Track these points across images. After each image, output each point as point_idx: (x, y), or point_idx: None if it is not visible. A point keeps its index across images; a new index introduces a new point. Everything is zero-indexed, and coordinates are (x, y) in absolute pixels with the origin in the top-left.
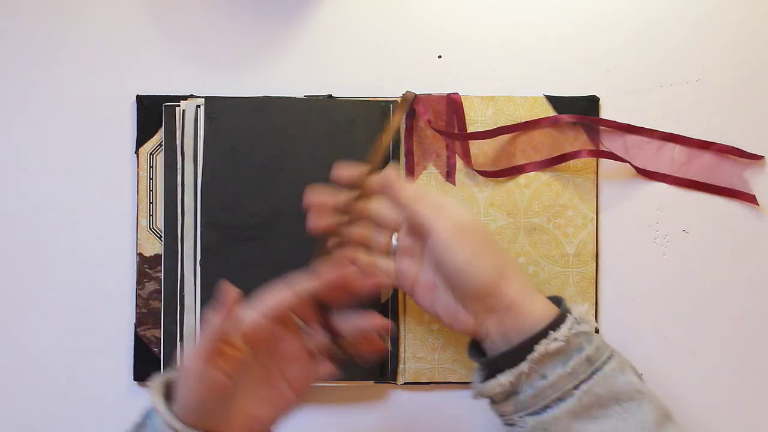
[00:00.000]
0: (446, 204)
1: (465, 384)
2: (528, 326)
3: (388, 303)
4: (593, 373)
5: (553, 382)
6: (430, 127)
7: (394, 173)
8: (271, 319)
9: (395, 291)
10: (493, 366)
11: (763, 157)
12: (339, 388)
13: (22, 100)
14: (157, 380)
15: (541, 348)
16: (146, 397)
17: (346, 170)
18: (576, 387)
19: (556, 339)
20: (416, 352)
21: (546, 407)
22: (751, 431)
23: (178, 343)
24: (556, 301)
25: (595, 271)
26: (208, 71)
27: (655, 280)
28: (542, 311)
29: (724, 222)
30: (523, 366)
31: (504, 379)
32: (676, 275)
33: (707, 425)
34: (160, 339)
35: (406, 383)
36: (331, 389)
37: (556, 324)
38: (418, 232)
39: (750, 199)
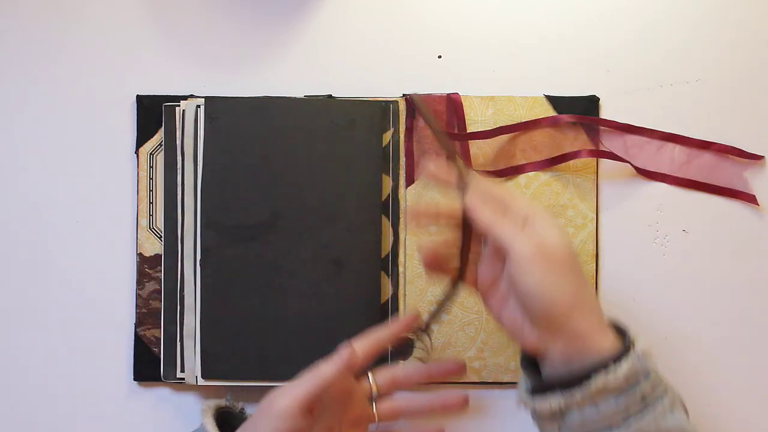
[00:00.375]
0: (532, 219)
1: (465, 384)
2: (591, 358)
3: (388, 303)
4: (644, 409)
5: (603, 413)
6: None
7: (473, 197)
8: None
9: (395, 290)
10: (546, 385)
11: (763, 157)
12: None
13: (22, 100)
14: (209, 404)
15: (599, 382)
16: (146, 397)
17: (433, 169)
18: (625, 420)
19: (615, 375)
20: (416, 351)
21: None
22: (752, 431)
23: (178, 343)
24: (621, 331)
25: (595, 271)
26: (208, 71)
27: (655, 280)
28: (608, 344)
29: (724, 222)
30: (578, 394)
31: (555, 401)
32: (676, 275)
33: (708, 425)
34: (160, 339)
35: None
36: None
37: (618, 358)
38: (499, 249)
39: (750, 199)
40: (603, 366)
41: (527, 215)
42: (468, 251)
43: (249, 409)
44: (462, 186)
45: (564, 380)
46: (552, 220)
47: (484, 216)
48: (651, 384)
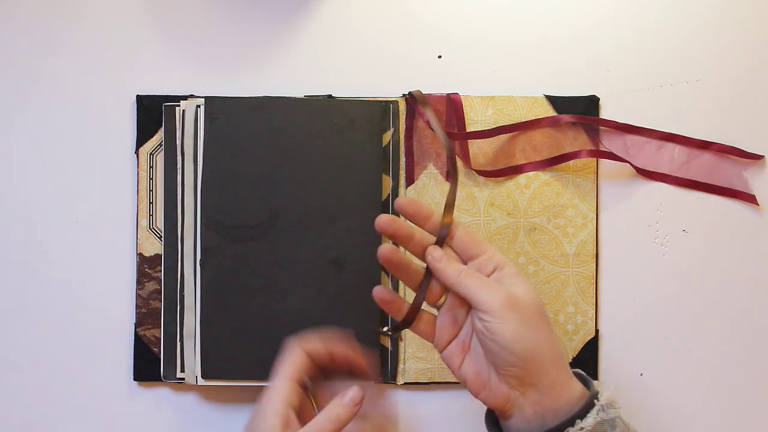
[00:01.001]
0: (501, 271)
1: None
2: (565, 411)
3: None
4: None
5: None
6: (429, 128)
7: (438, 252)
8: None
9: (395, 290)
10: None
11: (763, 156)
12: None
13: (23, 100)
14: None
15: None
16: (146, 397)
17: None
18: None
19: (583, 428)
20: (416, 352)
21: None
22: (751, 431)
23: (178, 343)
24: (583, 379)
25: (595, 271)
26: (208, 71)
27: (655, 280)
28: (578, 392)
29: (724, 222)
30: None
31: None
32: (676, 275)
33: (707, 425)
34: (160, 339)
35: (406, 383)
36: None
37: (585, 411)
38: (464, 301)
39: (750, 198)
40: (571, 423)
41: (496, 266)
42: (423, 298)
43: None
44: (442, 234)
45: None
46: (519, 272)
47: (451, 270)
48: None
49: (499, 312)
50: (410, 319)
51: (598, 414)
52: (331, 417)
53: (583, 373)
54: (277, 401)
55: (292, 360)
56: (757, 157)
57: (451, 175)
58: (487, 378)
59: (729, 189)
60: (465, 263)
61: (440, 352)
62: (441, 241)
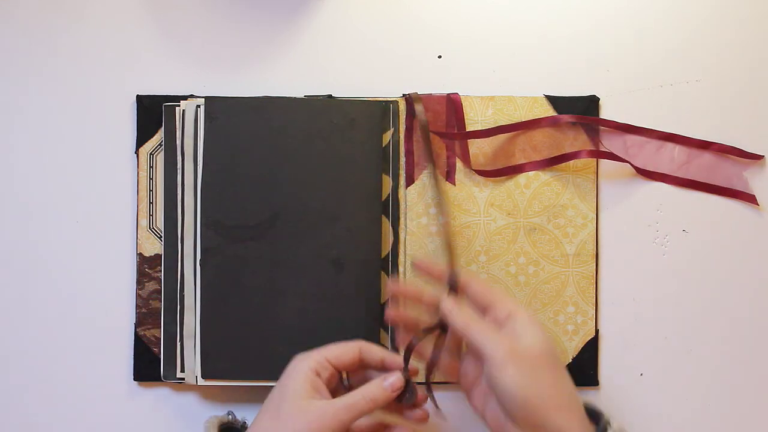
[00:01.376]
0: (513, 319)
1: None
2: None
3: (388, 302)
4: None
5: None
6: (429, 131)
7: (449, 303)
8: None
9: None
10: None
11: (763, 156)
12: None
13: (23, 100)
14: (212, 420)
15: None
16: (146, 397)
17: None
18: None
19: None
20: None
21: None
22: (752, 431)
23: (178, 343)
24: (596, 416)
25: (595, 271)
26: (208, 71)
27: (655, 280)
28: None
29: (724, 222)
30: None
31: None
32: (676, 275)
33: (707, 425)
34: (160, 339)
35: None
36: None
37: None
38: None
39: (750, 199)
40: None
41: (508, 315)
42: (441, 347)
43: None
44: (451, 283)
45: None
46: (531, 320)
47: (459, 321)
48: None
49: (500, 362)
50: (428, 378)
51: None
52: (367, 395)
53: (596, 408)
54: (306, 368)
55: (325, 348)
56: (757, 157)
57: (442, 211)
58: (504, 422)
59: (729, 189)
60: (482, 313)
61: (466, 394)
62: (453, 289)
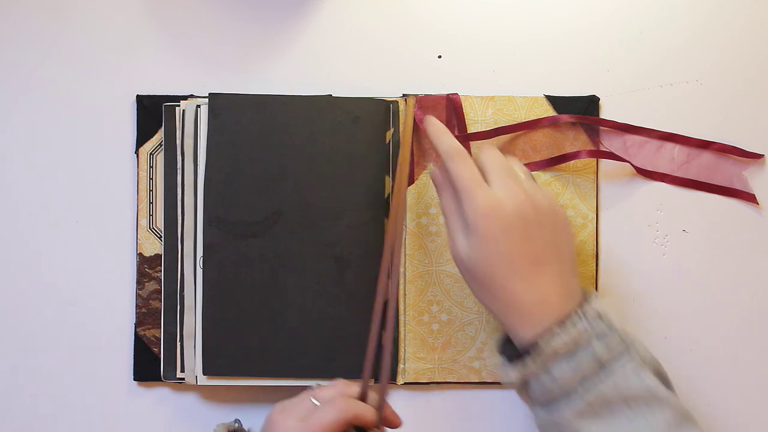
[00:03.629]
0: (493, 177)
1: (465, 384)
2: (538, 323)
3: (388, 302)
4: (602, 373)
5: (560, 381)
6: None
7: (433, 121)
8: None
9: (396, 290)
10: (510, 357)
11: (763, 156)
12: None
13: (22, 100)
14: (218, 429)
15: (545, 347)
16: (146, 397)
17: None
18: (584, 387)
19: (562, 338)
20: (416, 352)
21: (552, 402)
22: (752, 431)
23: (178, 343)
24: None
25: (595, 271)
26: (208, 71)
27: (655, 280)
28: (556, 308)
29: (724, 222)
30: (530, 363)
31: (513, 372)
32: (676, 275)
33: (708, 425)
34: (160, 339)
35: (406, 383)
36: None
37: (566, 322)
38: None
39: (750, 198)
40: (551, 333)
41: (486, 172)
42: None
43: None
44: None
45: (519, 351)
46: (504, 175)
47: (445, 144)
48: (607, 347)
49: (476, 220)
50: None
51: (583, 325)
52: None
53: (586, 290)
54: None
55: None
56: (756, 156)
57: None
58: None
59: (729, 188)
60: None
61: None
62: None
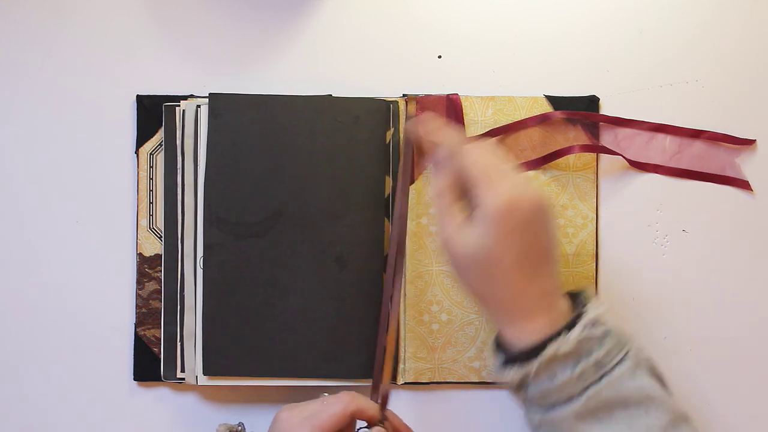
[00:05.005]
0: (501, 174)
1: (465, 384)
2: (539, 328)
3: (389, 302)
4: (601, 377)
5: (560, 383)
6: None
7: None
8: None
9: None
10: (508, 357)
11: (754, 141)
12: (339, 387)
13: (22, 100)
14: (222, 428)
15: (549, 351)
16: (146, 397)
17: None
18: (584, 389)
19: (565, 341)
20: (416, 352)
21: (552, 405)
22: (752, 431)
23: (178, 343)
24: (576, 296)
25: (595, 271)
26: (208, 71)
27: (655, 280)
28: (557, 313)
29: (724, 222)
30: (532, 366)
31: (513, 374)
32: (676, 275)
33: (708, 425)
34: (160, 339)
35: (406, 383)
36: (332, 389)
37: (568, 327)
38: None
39: (744, 185)
40: (553, 338)
41: (498, 171)
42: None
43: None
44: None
45: (520, 355)
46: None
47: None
48: (606, 350)
49: (492, 218)
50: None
51: (583, 330)
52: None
53: (581, 291)
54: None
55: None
56: (748, 143)
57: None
58: None
59: (722, 176)
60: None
61: None
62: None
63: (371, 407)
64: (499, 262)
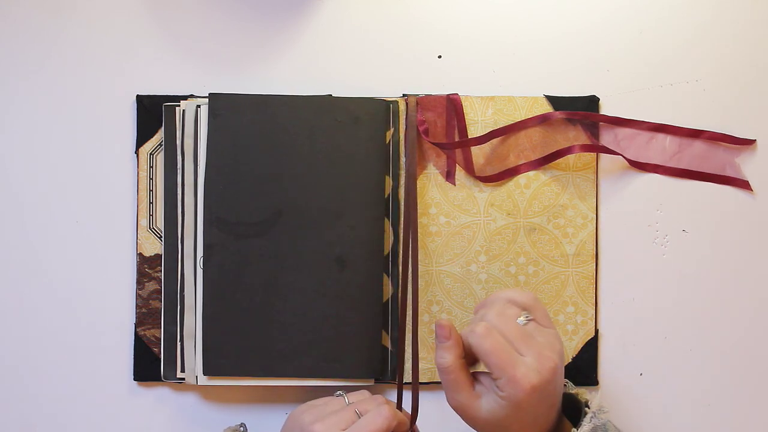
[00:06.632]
0: (523, 349)
1: None
2: None
3: (389, 302)
4: None
5: None
6: (425, 139)
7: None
8: None
9: (396, 290)
10: None
11: (754, 141)
12: (339, 387)
13: (22, 100)
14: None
15: None
16: (146, 397)
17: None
18: None
19: None
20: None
21: None
22: (751, 431)
23: (178, 343)
24: (572, 400)
25: (595, 271)
26: (208, 71)
27: (655, 280)
28: None
29: (724, 222)
30: None
31: None
32: (676, 275)
33: (707, 425)
34: (160, 339)
35: (406, 383)
36: (332, 389)
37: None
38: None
39: (743, 185)
40: None
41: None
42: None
43: None
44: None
45: None
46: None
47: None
48: None
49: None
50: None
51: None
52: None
53: (577, 397)
54: None
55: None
56: (748, 143)
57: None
58: None
59: (722, 176)
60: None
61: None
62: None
63: (405, 422)
64: (510, 426)
